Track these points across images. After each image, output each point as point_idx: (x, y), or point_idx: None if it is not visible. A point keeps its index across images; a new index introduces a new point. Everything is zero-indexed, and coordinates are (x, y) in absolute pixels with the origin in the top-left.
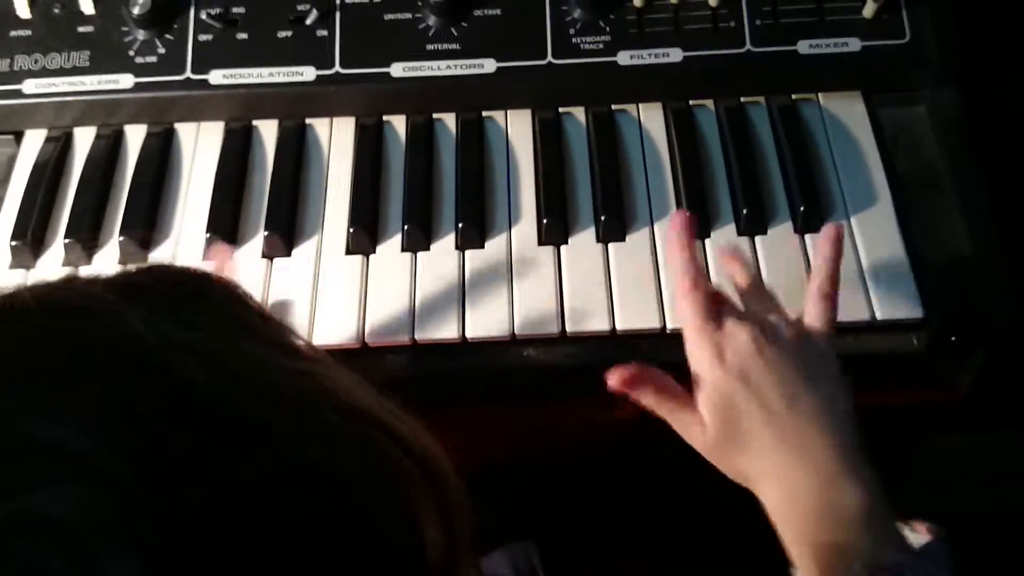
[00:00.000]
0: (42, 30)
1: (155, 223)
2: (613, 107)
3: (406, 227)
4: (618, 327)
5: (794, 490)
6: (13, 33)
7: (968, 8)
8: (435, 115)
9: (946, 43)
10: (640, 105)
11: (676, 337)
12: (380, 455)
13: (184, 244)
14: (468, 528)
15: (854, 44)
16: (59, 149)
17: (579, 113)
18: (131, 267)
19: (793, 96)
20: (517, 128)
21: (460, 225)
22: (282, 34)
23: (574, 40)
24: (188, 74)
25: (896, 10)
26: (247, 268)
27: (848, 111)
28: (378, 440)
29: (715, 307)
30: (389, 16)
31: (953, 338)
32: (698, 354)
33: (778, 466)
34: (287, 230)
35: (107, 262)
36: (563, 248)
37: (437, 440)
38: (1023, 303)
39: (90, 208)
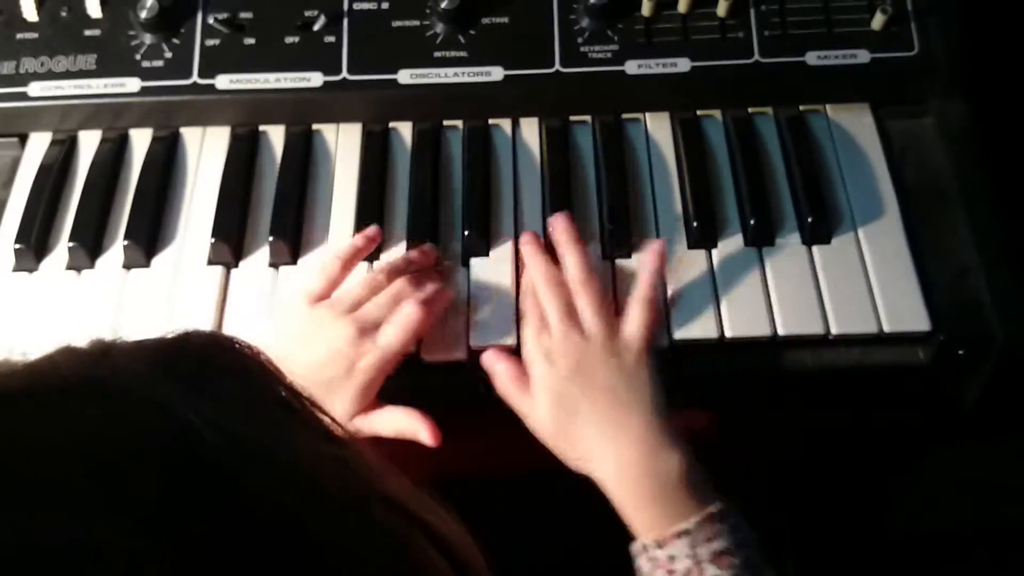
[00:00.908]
0: (49, 33)
1: (159, 228)
2: (621, 116)
3: (410, 236)
4: None
5: (622, 464)
6: (20, 35)
7: (976, 20)
8: (442, 122)
9: (955, 55)
10: (648, 114)
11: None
12: (415, 553)
13: (188, 249)
14: None
15: (863, 55)
16: (64, 152)
17: (586, 122)
18: (165, 336)
19: (801, 107)
20: (524, 136)
21: (466, 233)
22: (290, 40)
23: (582, 49)
24: (195, 79)
25: (905, 22)
26: (252, 276)
27: (856, 122)
28: (413, 536)
29: (545, 321)
30: (397, 23)
31: (960, 352)
32: (532, 357)
33: (606, 447)
34: (293, 237)
35: (111, 267)
36: None
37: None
38: None
39: (94, 212)
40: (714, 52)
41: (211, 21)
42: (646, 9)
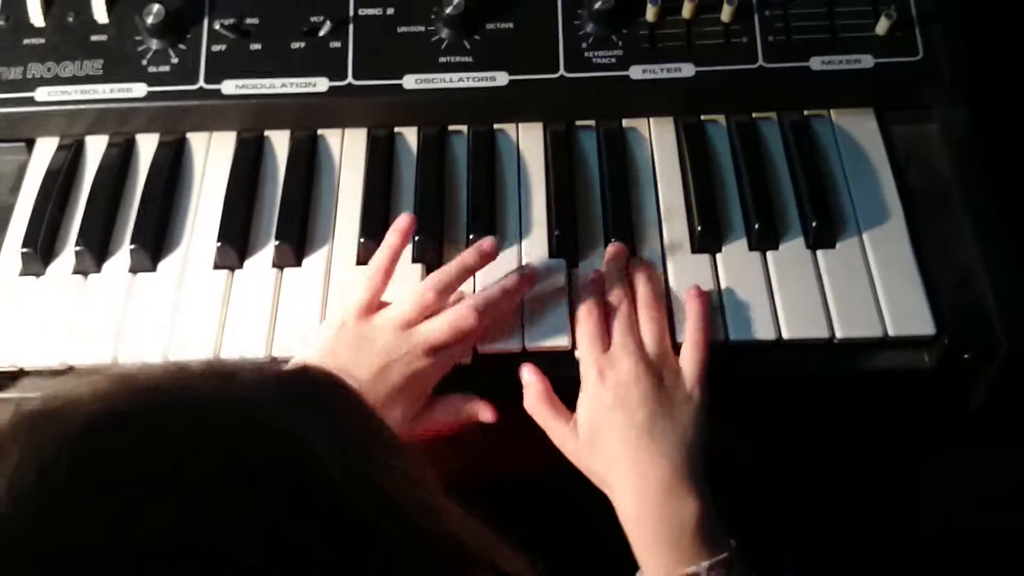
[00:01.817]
0: (56, 38)
1: (166, 232)
2: (625, 121)
3: (417, 238)
4: None
5: (642, 499)
6: (27, 41)
7: (980, 26)
8: (447, 127)
9: (958, 61)
10: (652, 119)
11: None
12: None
13: (194, 253)
14: None
15: (866, 61)
16: (71, 157)
17: (590, 126)
18: (284, 369)
19: (805, 112)
20: (529, 141)
21: (471, 236)
22: (295, 45)
23: (586, 54)
24: (201, 84)
25: (909, 28)
26: (257, 278)
27: (860, 128)
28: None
29: (607, 331)
30: (402, 28)
31: (965, 355)
32: (585, 371)
33: (630, 477)
34: (298, 240)
35: (117, 271)
36: (579, 265)
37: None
38: None
39: (101, 216)
40: (718, 57)
41: (217, 27)
42: (650, 14)
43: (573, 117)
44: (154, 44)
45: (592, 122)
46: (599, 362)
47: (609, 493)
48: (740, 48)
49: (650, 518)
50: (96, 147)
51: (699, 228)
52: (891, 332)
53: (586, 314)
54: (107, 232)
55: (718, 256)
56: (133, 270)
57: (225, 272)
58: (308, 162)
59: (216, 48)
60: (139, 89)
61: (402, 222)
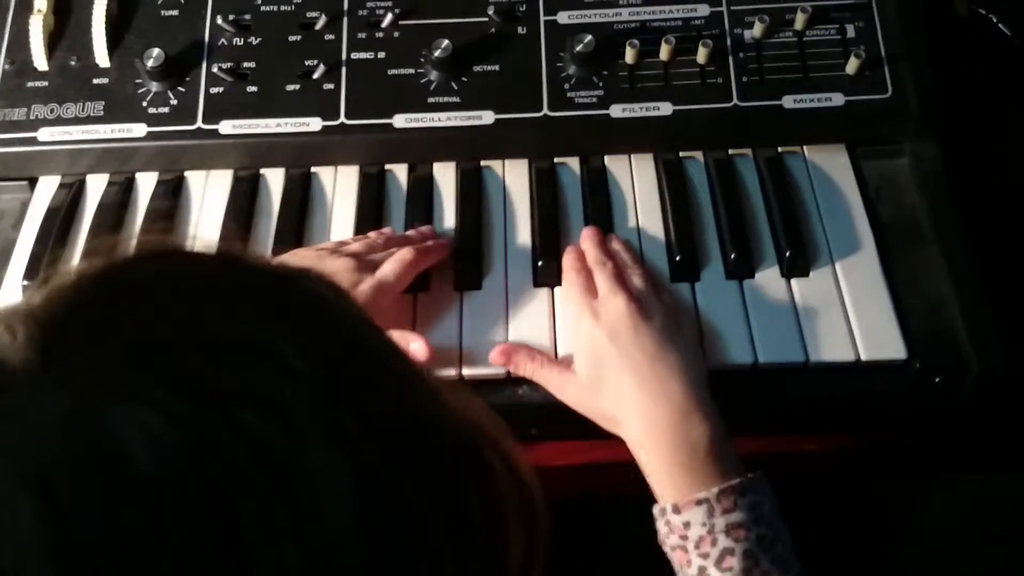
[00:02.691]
0: (58, 81)
1: None
2: (607, 157)
3: None
4: None
5: (652, 424)
6: (30, 84)
7: (948, 64)
8: (436, 164)
9: (927, 98)
10: (632, 155)
11: None
12: (485, 459)
13: None
14: (544, 558)
15: (837, 99)
16: (72, 195)
17: (574, 163)
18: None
19: (779, 148)
20: (514, 176)
21: (459, 267)
22: (290, 87)
23: (569, 94)
24: (199, 124)
25: (878, 67)
26: None
27: (832, 163)
28: (485, 446)
29: (593, 286)
30: (393, 71)
31: (937, 379)
32: (578, 317)
33: (638, 405)
34: None
35: None
36: (557, 290)
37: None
38: (1003, 345)
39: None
40: (695, 97)
41: (215, 70)
42: (629, 57)
43: (557, 154)
44: (154, 86)
45: (575, 158)
46: (591, 304)
47: (619, 430)
48: (716, 88)
49: (662, 442)
50: (97, 185)
51: (678, 258)
52: (863, 356)
53: (573, 268)
54: None
55: (697, 285)
56: None
57: None
58: (302, 198)
59: (214, 90)
60: (139, 129)
61: (387, 230)
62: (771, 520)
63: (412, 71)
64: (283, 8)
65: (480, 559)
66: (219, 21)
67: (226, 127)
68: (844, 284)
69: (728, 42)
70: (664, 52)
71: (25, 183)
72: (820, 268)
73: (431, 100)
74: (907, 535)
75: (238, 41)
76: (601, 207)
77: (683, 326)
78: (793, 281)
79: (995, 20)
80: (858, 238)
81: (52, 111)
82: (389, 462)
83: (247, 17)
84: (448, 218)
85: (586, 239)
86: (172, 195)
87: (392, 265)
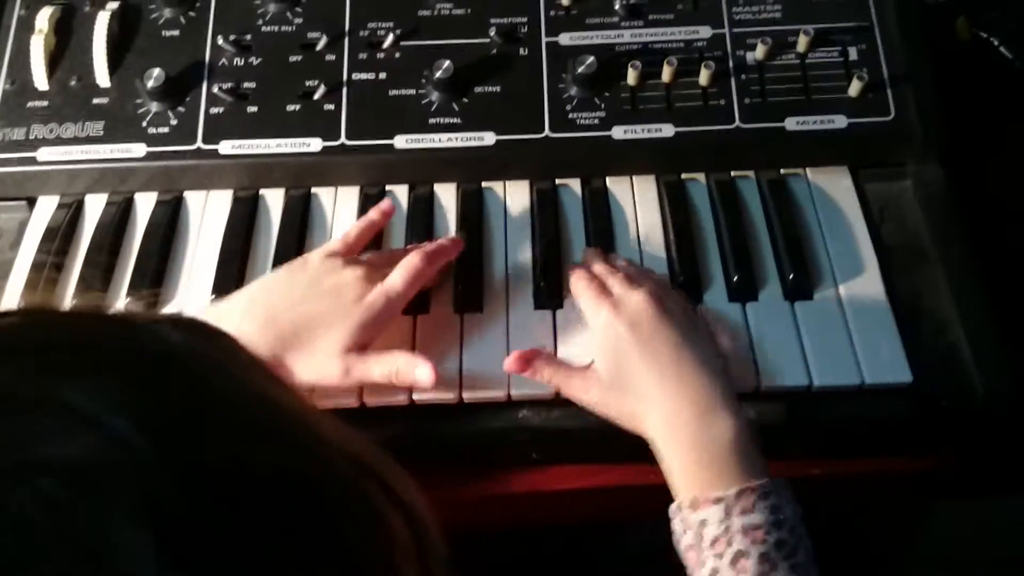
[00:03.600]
0: (59, 100)
1: (161, 286)
2: (608, 179)
3: None
4: None
5: (674, 421)
6: (30, 104)
7: (950, 87)
8: (436, 185)
9: (929, 120)
10: (634, 177)
11: None
12: (373, 505)
13: (190, 307)
14: None
15: (840, 121)
16: (70, 215)
17: (575, 185)
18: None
19: (782, 170)
20: (515, 198)
21: (459, 288)
22: (291, 107)
23: (570, 116)
24: (199, 144)
25: (881, 89)
26: None
27: (835, 185)
28: (372, 490)
29: (606, 290)
30: (394, 92)
31: (943, 402)
32: (595, 316)
33: (661, 402)
34: None
35: None
36: (558, 312)
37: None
38: (1008, 368)
39: (98, 271)
40: (697, 119)
41: (215, 90)
42: (631, 78)
43: (558, 175)
44: (154, 107)
45: (577, 180)
46: (608, 301)
47: (641, 427)
48: (718, 110)
49: (683, 436)
50: (95, 205)
51: (680, 280)
52: (868, 380)
53: (583, 277)
54: (104, 286)
55: (699, 307)
56: None
57: None
58: (302, 219)
59: (214, 110)
60: (139, 149)
61: (385, 204)
62: (793, 526)
63: (413, 92)
64: (284, 28)
65: None
66: (220, 41)
67: (226, 147)
68: (848, 307)
69: (730, 64)
70: (666, 74)
71: (24, 203)
72: (823, 291)
73: (432, 121)
74: (913, 558)
75: (239, 61)
76: (603, 229)
77: (699, 325)
78: (796, 304)
79: (996, 43)
80: (862, 260)
81: (52, 131)
82: (219, 518)
83: (248, 37)
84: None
85: (591, 256)
86: (171, 215)
87: (399, 272)
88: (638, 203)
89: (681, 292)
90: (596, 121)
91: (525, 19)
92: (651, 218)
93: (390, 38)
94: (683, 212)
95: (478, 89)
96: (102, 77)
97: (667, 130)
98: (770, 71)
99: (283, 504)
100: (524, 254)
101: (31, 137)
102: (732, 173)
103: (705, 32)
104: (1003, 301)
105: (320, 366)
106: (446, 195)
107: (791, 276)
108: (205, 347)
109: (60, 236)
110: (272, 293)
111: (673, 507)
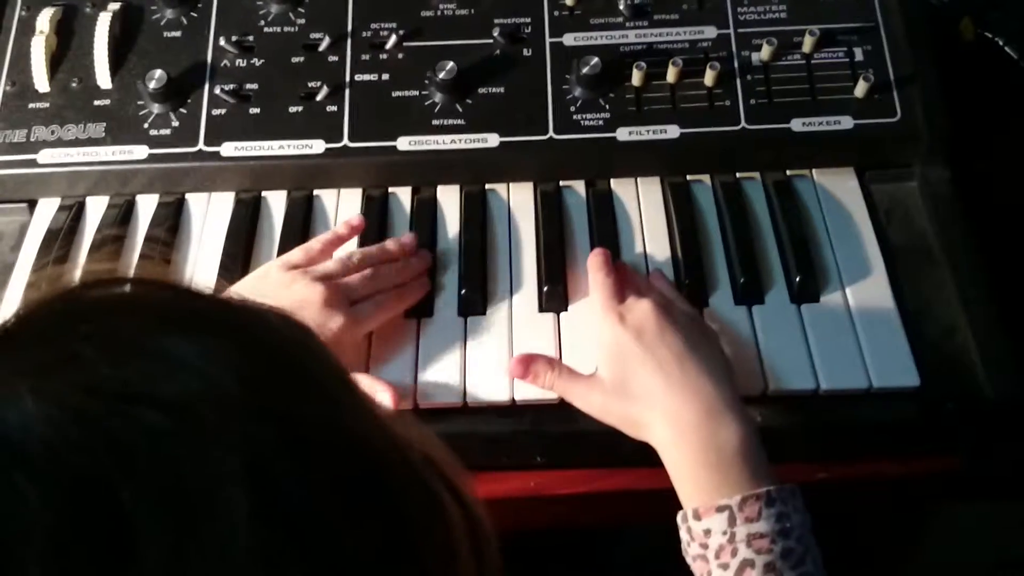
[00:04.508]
0: (59, 102)
1: None
2: (613, 181)
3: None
4: None
5: (679, 427)
6: (31, 105)
7: (955, 87)
8: (440, 187)
9: (935, 121)
10: (639, 179)
11: None
12: (435, 495)
13: None
14: None
15: (846, 122)
16: (71, 217)
17: (579, 186)
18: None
19: (788, 172)
20: (519, 200)
21: (462, 292)
22: (293, 109)
23: (575, 117)
24: (201, 146)
25: (887, 90)
26: None
27: (841, 186)
28: (436, 484)
29: (622, 290)
30: (397, 93)
31: (950, 405)
32: (603, 322)
33: (666, 408)
34: None
35: None
36: (563, 315)
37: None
38: (1016, 370)
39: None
40: (702, 120)
41: (217, 91)
42: (636, 79)
43: (562, 177)
44: (156, 108)
45: (581, 182)
46: (617, 308)
47: (646, 434)
48: (723, 111)
49: (689, 443)
50: (96, 207)
51: (686, 283)
52: (875, 384)
53: (601, 274)
54: None
55: (705, 311)
56: None
57: None
58: (304, 221)
59: (216, 112)
60: (140, 151)
61: (355, 220)
62: (801, 535)
63: (416, 93)
64: (286, 29)
65: None
66: (222, 42)
67: (228, 149)
68: (855, 309)
69: (736, 65)
70: (671, 75)
71: (24, 205)
72: (830, 293)
73: (435, 123)
74: (919, 561)
75: (241, 63)
76: (607, 231)
77: (707, 332)
78: (803, 307)
79: (1001, 43)
80: (868, 262)
81: (53, 133)
82: (309, 481)
83: (250, 38)
84: (452, 242)
85: (598, 258)
86: (173, 217)
87: (372, 309)
88: (643, 205)
89: (687, 301)
90: (600, 122)
91: (529, 20)
92: (656, 220)
93: (393, 39)
94: (688, 214)
95: (481, 90)
96: (103, 79)
97: (672, 131)
98: (776, 72)
99: (360, 476)
100: (528, 257)
101: (32, 139)
102: (737, 175)
103: (710, 32)
104: (1010, 303)
105: None
106: (449, 197)
107: (797, 279)
108: (298, 332)
109: (61, 239)
110: None
111: (680, 516)
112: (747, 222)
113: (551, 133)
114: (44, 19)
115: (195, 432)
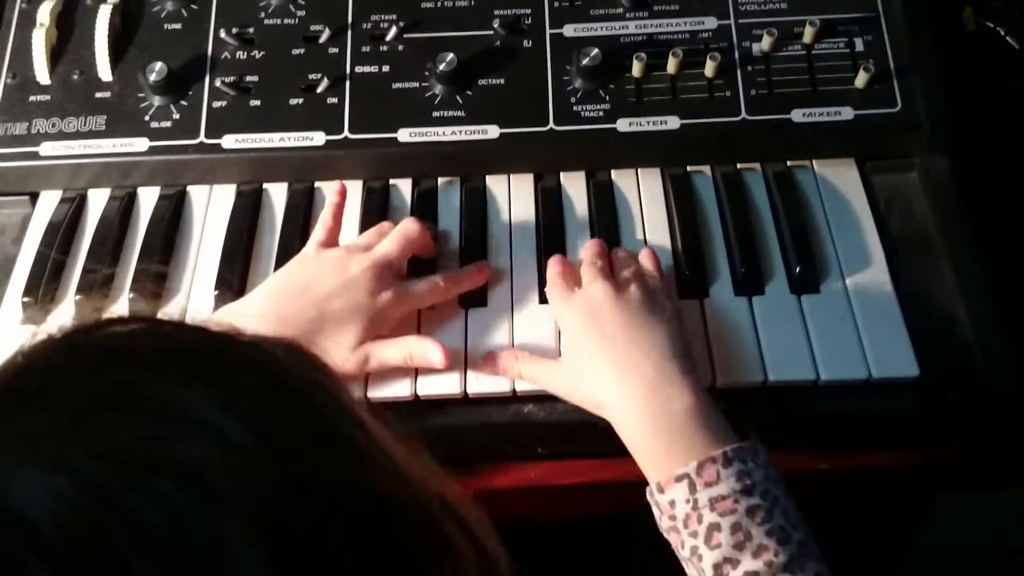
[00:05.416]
0: (60, 95)
1: (165, 281)
2: (613, 172)
3: None
4: None
5: (631, 402)
6: (32, 98)
7: (956, 77)
8: (440, 179)
9: (936, 112)
10: (640, 170)
11: None
12: (449, 541)
13: (193, 303)
14: None
15: (847, 113)
16: (73, 209)
17: (580, 177)
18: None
19: (788, 163)
20: (519, 191)
21: None
22: (294, 101)
23: (575, 108)
24: (202, 138)
25: (888, 80)
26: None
27: (842, 177)
28: (449, 527)
29: (572, 281)
30: (397, 85)
31: (950, 396)
32: (560, 311)
33: (618, 386)
34: None
35: None
36: None
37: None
38: (1015, 360)
39: (101, 266)
40: (702, 111)
41: (218, 84)
42: (636, 70)
43: (562, 168)
44: (156, 101)
45: (582, 173)
46: (568, 295)
47: (604, 413)
48: (724, 102)
49: (638, 418)
50: (98, 200)
51: (686, 273)
52: (875, 374)
53: (554, 270)
54: (107, 282)
55: (705, 301)
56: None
57: None
58: (305, 213)
59: (217, 104)
60: (141, 144)
61: (337, 185)
62: (765, 490)
63: (416, 85)
64: (287, 21)
65: None
66: (222, 35)
67: (229, 141)
68: (855, 300)
69: (736, 55)
70: (671, 65)
71: (26, 198)
72: (830, 284)
73: (436, 114)
74: (917, 550)
75: (241, 55)
76: (607, 222)
77: (667, 305)
78: (803, 297)
79: (1002, 33)
80: (869, 253)
81: (54, 125)
82: (326, 537)
83: (250, 31)
84: (452, 233)
85: (590, 248)
86: (174, 210)
87: (425, 284)
88: (643, 196)
89: (664, 278)
90: (601, 113)
91: (529, 10)
92: (656, 211)
93: (393, 31)
94: (688, 205)
95: (482, 82)
96: (104, 71)
97: (672, 122)
98: (776, 62)
99: (375, 523)
100: (528, 248)
101: (33, 132)
102: (738, 165)
103: (711, 23)
104: (1010, 293)
105: (340, 360)
106: (450, 189)
107: (797, 269)
108: (310, 369)
109: (63, 231)
110: (283, 295)
111: (648, 492)
112: (747, 213)
113: (551, 124)
114: (45, 11)
115: (211, 503)
